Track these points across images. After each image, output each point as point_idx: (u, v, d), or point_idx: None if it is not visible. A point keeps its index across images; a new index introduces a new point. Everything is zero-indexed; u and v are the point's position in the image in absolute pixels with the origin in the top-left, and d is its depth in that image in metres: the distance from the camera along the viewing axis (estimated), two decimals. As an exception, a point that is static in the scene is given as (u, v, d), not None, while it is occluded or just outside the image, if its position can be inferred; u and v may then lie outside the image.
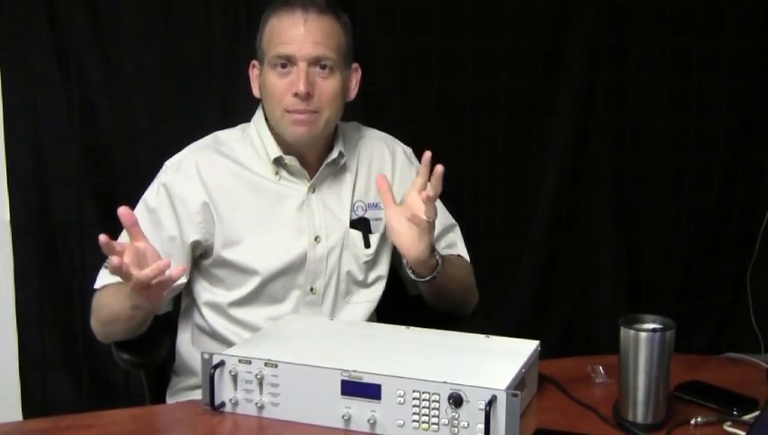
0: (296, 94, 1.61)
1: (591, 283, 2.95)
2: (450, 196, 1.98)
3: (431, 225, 1.57)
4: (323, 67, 1.63)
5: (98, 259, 2.21)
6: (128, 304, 1.52)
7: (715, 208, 3.02)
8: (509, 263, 2.84)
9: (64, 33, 2.36)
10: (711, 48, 2.91)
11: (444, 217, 1.88)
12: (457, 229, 1.91)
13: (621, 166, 2.92)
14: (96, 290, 1.69)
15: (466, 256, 1.89)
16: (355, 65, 1.73)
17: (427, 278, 1.65)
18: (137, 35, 2.41)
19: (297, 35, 1.62)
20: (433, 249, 1.64)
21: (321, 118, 1.65)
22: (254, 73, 1.72)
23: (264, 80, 1.66)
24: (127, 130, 2.44)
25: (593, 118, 2.86)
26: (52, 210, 2.43)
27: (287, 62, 1.62)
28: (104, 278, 1.68)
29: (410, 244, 1.59)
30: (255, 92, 1.72)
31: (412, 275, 1.66)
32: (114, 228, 1.96)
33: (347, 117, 1.81)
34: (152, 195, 1.69)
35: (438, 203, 1.89)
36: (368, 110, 2.49)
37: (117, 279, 1.65)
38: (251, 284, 1.67)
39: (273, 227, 1.69)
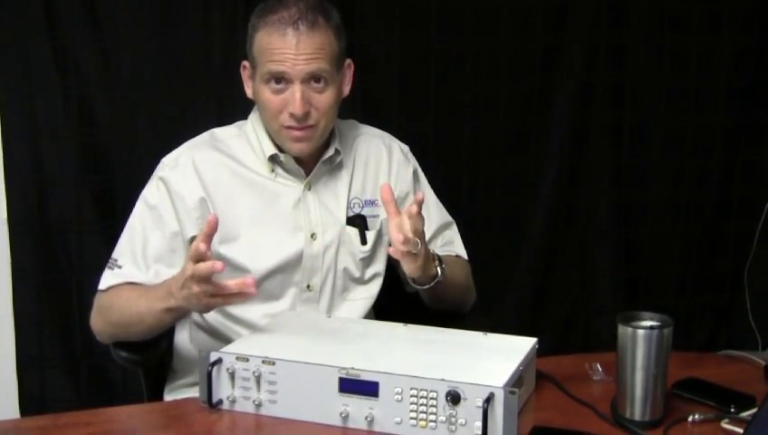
0: (292, 115, 1.61)
1: (589, 280, 2.95)
2: (448, 194, 1.99)
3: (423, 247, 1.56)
4: (318, 81, 1.62)
5: (96, 257, 2.22)
6: (159, 306, 1.54)
7: (714, 206, 3.02)
8: (507, 260, 2.84)
9: (62, 32, 2.35)
10: (709, 46, 2.91)
11: (441, 215, 1.88)
12: (454, 227, 1.91)
13: (620, 163, 2.91)
14: (101, 291, 1.69)
15: (464, 255, 1.89)
16: (348, 61, 1.72)
17: (426, 287, 1.66)
18: (135, 34, 2.40)
19: (289, 53, 1.59)
20: (434, 258, 1.65)
21: (318, 130, 1.65)
22: (245, 74, 1.72)
23: (258, 91, 1.65)
24: (125, 129, 2.43)
25: (592, 116, 2.85)
26: (50, 208, 2.42)
27: (281, 78, 1.61)
28: (110, 279, 1.68)
29: (404, 263, 1.58)
30: (249, 93, 1.72)
31: (412, 284, 1.66)
32: (111, 226, 1.97)
33: (344, 115, 1.81)
34: (152, 191, 1.69)
35: (436, 201, 1.90)
36: (366, 107, 2.49)
37: (125, 279, 1.66)
38: (247, 281, 1.67)
39: (269, 225, 1.69)
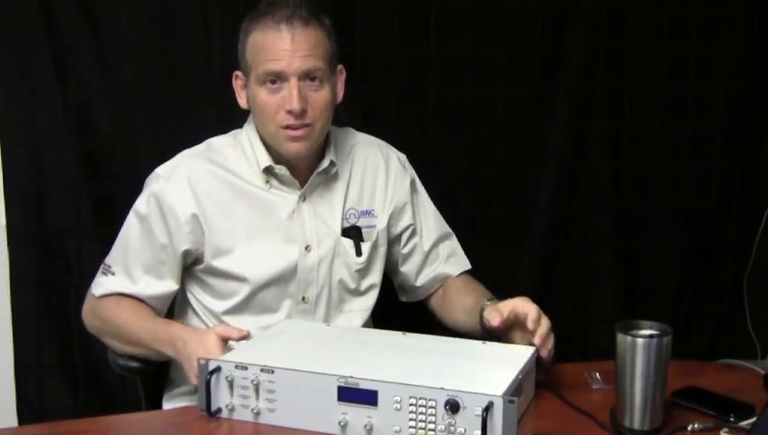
0: (290, 111, 1.61)
1: (588, 288, 2.95)
2: (447, 201, 1.99)
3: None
4: (313, 79, 1.63)
5: (95, 265, 2.21)
6: (155, 346, 1.61)
7: (713, 213, 3.02)
8: (506, 268, 2.83)
9: (62, 38, 2.35)
10: (708, 53, 2.91)
11: (440, 226, 1.89)
12: (454, 238, 1.91)
13: (619, 171, 2.91)
14: (95, 296, 1.69)
15: (468, 265, 1.89)
16: (339, 67, 1.73)
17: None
18: (134, 40, 2.40)
19: (285, 50, 1.60)
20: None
21: (315, 130, 1.65)
22: (238, 84, 1.72)
23: (254, 95, 1.65)
24: (124, 136, 2.43)
25: (591, 123, 2.85)
26: (49, 215, 2.42)
27: (277, 78, 1.61)
28: (106, 286, 1.69)
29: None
30: (242, 103, 1.72)
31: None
32: (111, 233, 1.97)
33: (342, 122, 1.81)
34: (143, 204, 1.70)
35: (434, 211, 1.90)
36: (365, 114, 2.49)
37: (118, 290, 1.67)
38: (241, 293, 1.68)
39: (263, 237, 1.69)
